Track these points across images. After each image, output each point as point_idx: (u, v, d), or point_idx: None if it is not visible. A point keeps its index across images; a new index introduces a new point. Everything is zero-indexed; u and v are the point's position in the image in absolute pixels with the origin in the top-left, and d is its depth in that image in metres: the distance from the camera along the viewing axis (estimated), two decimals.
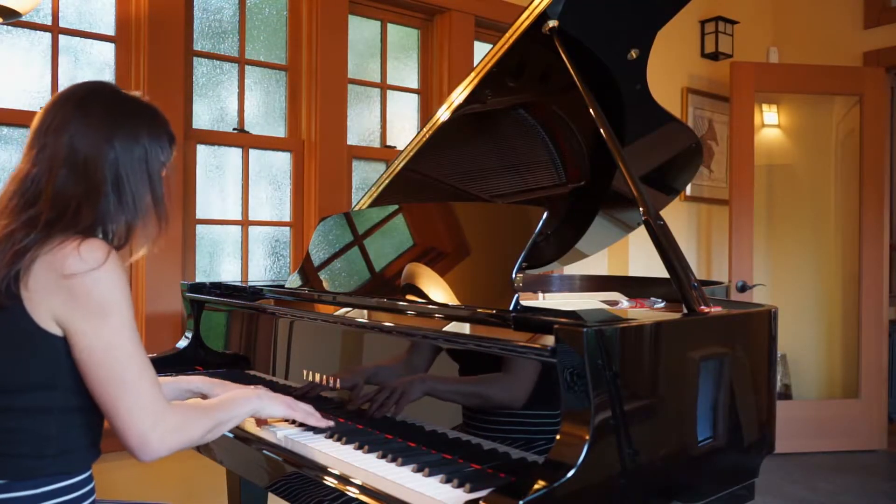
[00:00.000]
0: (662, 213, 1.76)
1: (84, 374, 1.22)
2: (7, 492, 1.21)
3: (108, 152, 1.27)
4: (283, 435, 1.53)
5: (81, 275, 1.18)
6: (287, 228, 3.27)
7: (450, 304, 1.57)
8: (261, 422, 1.62)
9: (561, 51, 1.88)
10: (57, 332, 1.21)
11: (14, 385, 1.23)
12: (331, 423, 1.56)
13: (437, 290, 1.65)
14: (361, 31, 3.49)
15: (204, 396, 1.63)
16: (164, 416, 1.25)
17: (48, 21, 2.67)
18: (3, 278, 1.19)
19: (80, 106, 1.29)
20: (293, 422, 1.60)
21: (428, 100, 3.68)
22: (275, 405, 1.51)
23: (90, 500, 1.30)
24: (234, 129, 3.11)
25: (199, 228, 3.00)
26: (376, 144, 3.54)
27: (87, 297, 1.19)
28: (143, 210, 1.32)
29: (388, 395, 1.52)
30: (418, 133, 2.17)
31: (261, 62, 3.18)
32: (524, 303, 1.48)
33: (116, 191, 1.28)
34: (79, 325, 1.20)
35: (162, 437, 1.24)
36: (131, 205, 1.30)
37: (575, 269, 3.21)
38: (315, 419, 1.55)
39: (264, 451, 1.53)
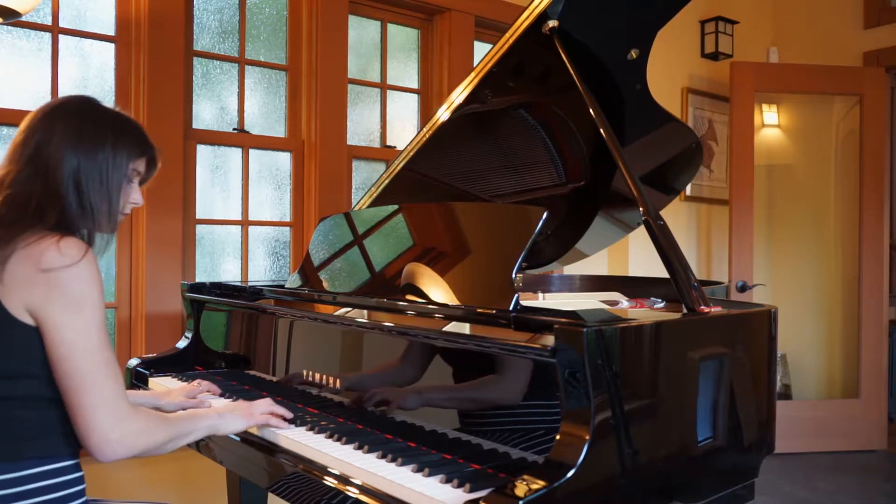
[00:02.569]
0: (662, 213, 1.76)
1: (53, 366, 1.25)
2: (15, 471, 1.23)
3: (71, 158, 1.33)
4: (283, 435, 1.53)
5: (59, 269, 1.23)
6: (287, 228, 3.27)
7: (450, 304, 1.57)
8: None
9: (561, 51, 1.88)
10: (30, 321, 1.25)
11: (6, 374, 1.26)
12: (290, 415, 1.58)
13: (437, 290, 1.65)
14: (361, 31, 3.50)
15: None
16: (126, 417, 1.28)
17: (48, 21, 2.67)
18: None
19: (52, 114, 1.37)
20: (291, 420, 1.60)
21: (428, 100, 3.68)
22: (233, 421, 1.52)
23: (78, 488, 1.32)
24: (234, 129, 3.11)
25: (200, 228, 3.01)
26: (376, 144, 3.54)
27: (63, 290, 1.23)
28: (99, 218, 1.36)
29: (389, 401, 1.53)
30: (418, 133, 2.17)
31: (261, 62, 3.18)
32: (524, 303, 1.48)
33: (77, 197, 1.33)
34: (52, 316, 1.23)
35: (122, 439, 1.26)
36: (89, 212, 1.35)
37: (575, 269, 3.21)
38: (276, 419, 1.56)
39: (264, 451, 1.53)
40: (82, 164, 1.34)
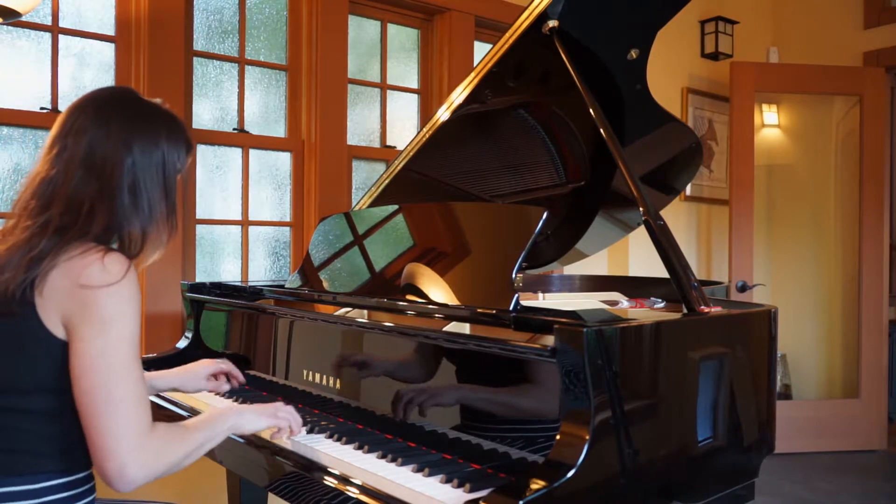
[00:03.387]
0: (662, 213, 1.76)
1: (73, 380, 1.20)
2: (4, 486, 1.21)
3: (126, 156, 1.27)
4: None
5: (99, 287, 1.18)
6: (287, 228, 3.27)
7: (450, 304, 1.57)
8: None
9: (561, 51, 1.88)
10: (63, 336, 1.21)
11: (22, 387, 1.23)
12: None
13: (437, 290, 1.65)
14: (361, 31, 3.49)
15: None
16: (145, 441, 1.20)
17: (48, 21, 2.67)
18: (19, 285, 1.19)
19: (100, 110, 1.30)
20: None
21: (428, 100, 3.68)
22: (257, 419, 1.43)
23: (89, 498, 1.30)
24: (234, 129, 3.11)
25: (200, 228, 3.00)
26: (376, 144, 3.54)
27: (98, 308, 1.18)
28: (157, 216, 1.31)
29: (396, 402, 1.53)
30: (418, 133, 2.17)
31: (261, 62, 3.18)
32: (524, 303, 1.48)
33: (133, 195, 1.28)
34: (81, 330, 1.19)
35: (141, 465, 1.19)
36: (146, 210, 1.29)
37: (575, 269, 3.21)
38: (295, 425, 1.49)
39: (264, 452, 1.53)
40: (138, 162, 1.28)
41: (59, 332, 1.21)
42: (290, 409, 1.51)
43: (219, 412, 1.40)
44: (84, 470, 1.29)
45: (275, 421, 1.46)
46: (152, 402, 1.87)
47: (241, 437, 1.60)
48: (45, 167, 1.28)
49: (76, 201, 1.24)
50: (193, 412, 1.79)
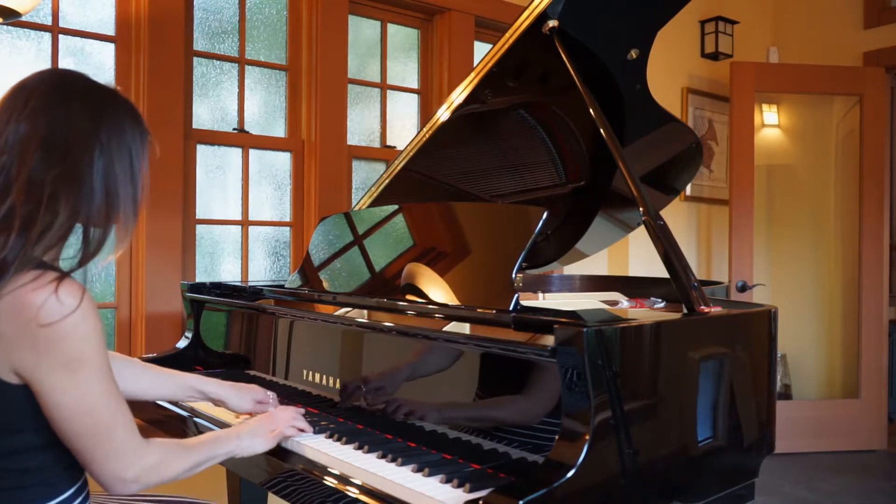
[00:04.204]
0: (662, 213, 1.76)
1: (55, 427, 1.15)
2: None
3: (95, 140, 1.17)
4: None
5: (55, 323, 1.08)
6: (287, 228, 3.27)
7: (450, 304, 1.57)
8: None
9: (561, 51, 1.88)
10: (15, 381, 1.13)
11: None
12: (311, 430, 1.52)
13: (437, 290, 1.65)
14: (361, 31, 3.50)
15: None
16: (140, 457, 1.20)
17: (48, 21, 2.67)
18: None
19: (58, 91, 1.18)
20: None
21: (428, 100, 3.68)
22: (255, 443, 1.43)
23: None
24: (234, 129, 3.11)
25: (200, 228, 3.00)
26: (376, 144, 3.54)
27: (58, 348, 1.09)
28: (123, 205, 1.22)
29: (386, 400, 1.53)
30: (418, 133, 2.17)
31: (261, 62, 3.18)
32: (524, 303, 1.48)
33: (102, 182, 1.18)
34: (47, 379, 1.11)
35: (137, 477, 1.19)
36: (114, 198, 1.19)
37: (575, 269, 3.21)
38: (301, 425, 1.50)
39: (264, 452, 1.53)
40: (105, 146, 1.18)
41: (10, 379, 1.12)
42: (291, 414, 1.50)
43: (221, 435, 1.40)
44: (71, 486, 1.24)
45: (275, 441, 1.46)
46: (154, 404, 1.88)
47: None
48: None
49: (36, 185, 1.12)
50: (194, 412, 1.79)
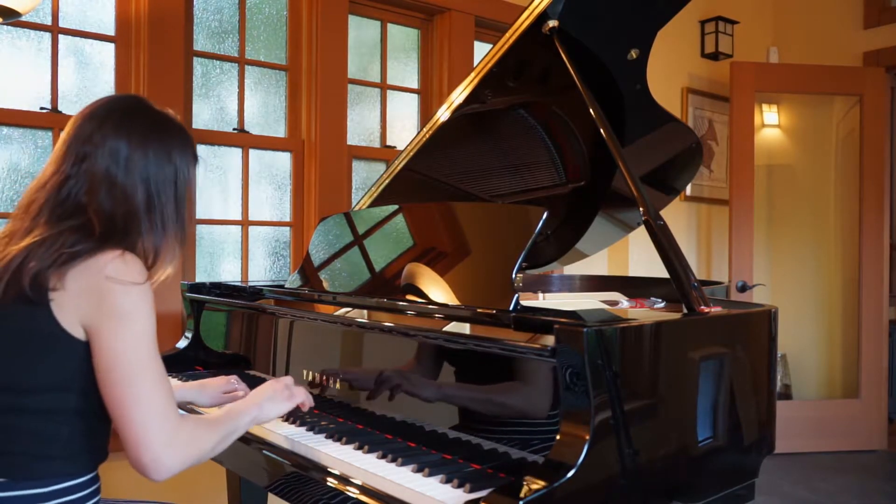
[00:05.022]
0: (662, 213, 1.76)
1: (100, 378, 1.21)
2: (8, 490, 1.21)
3: (143, 170, 1.28)
4: (283, 435, 1.53)
5: (118, 282, 1.19)
6: (287, 228, 3.27)
7: (450, 304, 1.57)
8: None
9: (561, 51, 1.88)
10: (81, 336, 1.21)
11: (29, 385, 1.22)
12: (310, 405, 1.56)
13: (437, 290, 1.65)
14: (361, 31, 3.49)
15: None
16: (176, 431, 1.22)
17: (48, 21, 2.67)
18: (41, 270, 1.19)
19: (119, 124, 1.30)
20: (291, 420, 1.60)
21: (428, 100, 3.68)
22: (275, 406, 1.46)
23: (95, 499, 1.30)
24: (234, 129, 3.11)
25: (200, 228, 3.00)
26: (376, 144, 3.54)
27: (119, 302, 1.19)
28: (170, 231, 1.32)
29: (386, 399, 1.53)
30: (418, 133, 2.17)
31: (261, 62, 3.18)
32: (524, 303, 1.48)
33: (147, 210, 1.29)
34: (104, 326, 1.19)
35: (175, 454, 1.21)
36: (160, 225, 1.31)
37: (575, 269, 3.21)
38: (308, 399, 1.54)
39: (264, 452, 1.53)
40: (153, 175, 1.30)
41: (76, 332, 1.21)
42: (292, 381, 1.54)
43: (241, 405, 1.43)
44: (90, 472, 1.29)
45: (291, 403, 1.49)
46: None
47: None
48: (61, 174, 1.27)
49: (109, 216, 1.26)
50: (194, 412, 1.79)
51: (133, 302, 1.20)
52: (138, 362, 1.20)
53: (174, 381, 1.99)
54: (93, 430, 1.27)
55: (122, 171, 1.27)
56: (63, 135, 1.31)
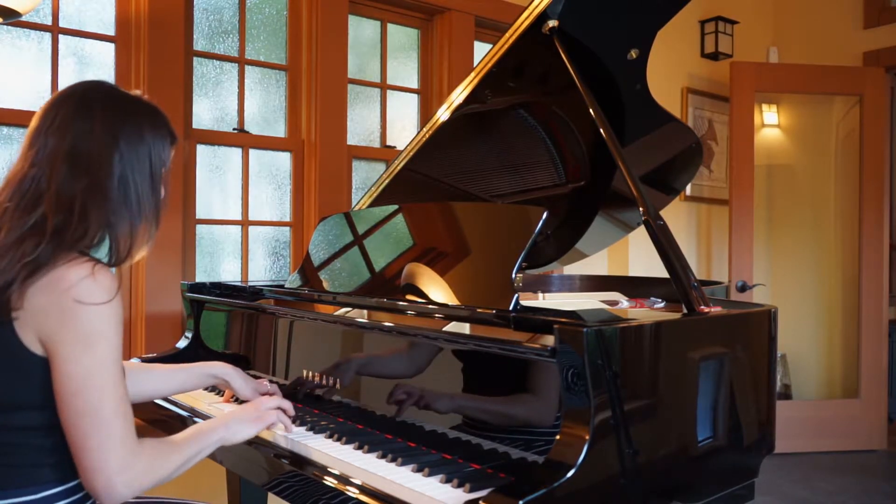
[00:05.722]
0: (662, 213, 1.76)
1: (59, 402, 1.17)
2: (4, 499, 1.20)
3: (114, 150, 1.24)
4: (282, 435, 1.53)
5: (90, 304, 1.15)
6: (287, 228, 3.27)
7: (450, 304, 1.57)
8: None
9: (561, 51, 1.88)
10: (40, 352, 1.18)
11: (8, 404, 1.20)
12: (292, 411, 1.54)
13: (437, 290, 1.65)
14: (361, 31, 3.50)
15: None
16: (133, 459, 1.18)
17: (48, 21, 2.67)
18: (3, 288, 1.15)
19: (81, 103, 1.26)
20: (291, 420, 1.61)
21: (428, 100, 3.68)
22: (243, 429, 1.42)
23: (89, 503, 1.29)
24: (234, 129, 3.11)
25: (199, 228, 3.00)
26: (376, 144, 3.54)
27: (81, 324, 1.15)
28: (146, 211, 1.28)
29: (386, 399, 1.53)
30: (418, 133, 2.17)
31: (261, 62, 3.18)
32: (524, 303, 1.48)
33: (122, 190, 1.24)
34: (64, 349, 1.15)
35: (129, 482, 1.17)
36: (135, 205, 1.26)
37: (575, 269, 3.21)
38: (284, 417, 1.51)
39: (264, 451, 1.53)
40: (125, 155, 1.25)
41: (36, 349, 1.18)
42: (275, 401, 1.51)
43: (207, 426, 1.39)
44: (77, 477, 1.26)
45: (262, 424, 1.46)
46: (154, 404, 1.88)
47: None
48: (25, 165, 1.23)
49: (66, 199, 1.20)
50: (194, 412, 1.79)
51: (99, 325, 1.16)
52: (99, 388, 1.16)
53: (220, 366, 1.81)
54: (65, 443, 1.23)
55: (88, 147, 1.23)
56: (29, 127, 1.28)
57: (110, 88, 1.32)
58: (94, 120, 1.24)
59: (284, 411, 1.53)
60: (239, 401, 1.76)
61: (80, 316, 1.15)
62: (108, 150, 1.24)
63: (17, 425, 1.20)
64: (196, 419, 1.74)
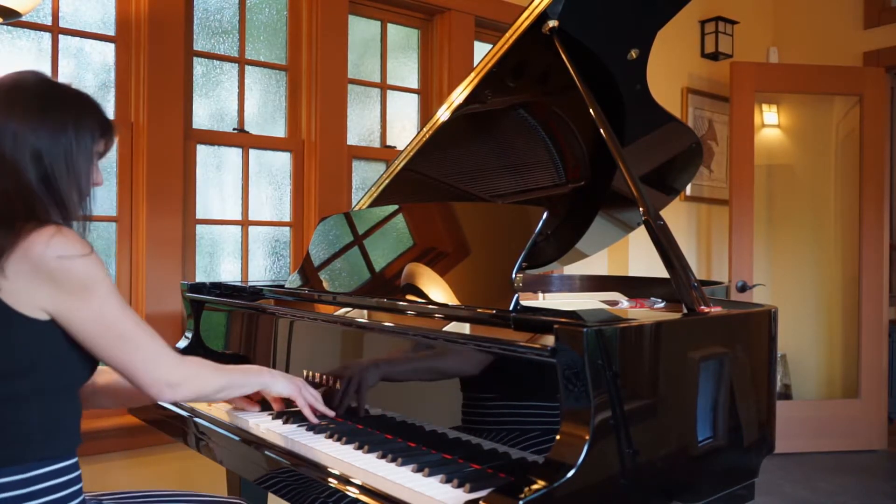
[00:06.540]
0: (662, 213, 1.76)
1: (92, 349, 1.28)
2: None
3: (34, 145, 1.25)
4: (283, 434, 1.53)
5: (69, 259, 1.21)
6: (287, 228, 3.27)
7: (450, 304, 1.57)
8: (251, 403, 1.70)
9: (561, 51, 1.88)
10: (42, 317, 1.24)
11: None
12: (320, 422, 1.58)
13: (437, 290, 1.65)
14: (361, 31, 3.49)
15: None
16: (179, 362, 1.35)
17: (48, 21, 2.67)
18: None
19: (4, 98, 1.27)
20: (291, 420, 1.61)
21: (428, 100, 3.68)
22: (283, 385, 1.57)
23: (78, 486, 1.32)
24: (233, 129, 3.11)
25: (199, 228, 3.00)
26: (376, 144, 3.54)
27: (73, 275, 1.22)
28: (71, 205, 1.29)
29: (386, 399, 1.53)
30: (418, 133, 2.17)
31: (261, 62, 3.18)
32: (524, 303, 1.48)
33: (44, 186, 1.27)
34: (69, 302, 1.23)
35: (184, 379, 1.34)
36: (59, 196, 1.28)
37: (575, 269, 3.21)
38: (309, 411, 1.59)
39: (264, 451, 1.53)
40: (45, 151, 1.26)
41: (36, 314, 1.23)
42: (316, 393, 1.62)
43: (255, 367, 1.58)
44: (70, 457, 1.31)
45: (297, 394, 1.58)
46: (155, 404, 1.88)
47: (237, 434, 1.60)
48: None
49: (2, 193, 1.24)
50: (194, 412, 1.79)
51: (89, 271, 1.24)
52: (115, 321, 1.27)
53: None
54: (63, 413, 1.30)
55: (9, 146, 1.24)
56: None
57: (36, 79, 1.32)
58: (14, 113, 1.26)
59: (313, 409, 1.61)
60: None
61: (69, 269, 1.22)
62: (27, 150, 1.25)
63: (22, 391, 1.24)
64: (196, 419, 1.74)
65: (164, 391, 1.33)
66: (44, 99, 1.29)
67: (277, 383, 1.57)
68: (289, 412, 1.65)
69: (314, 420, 1.58)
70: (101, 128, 1.35)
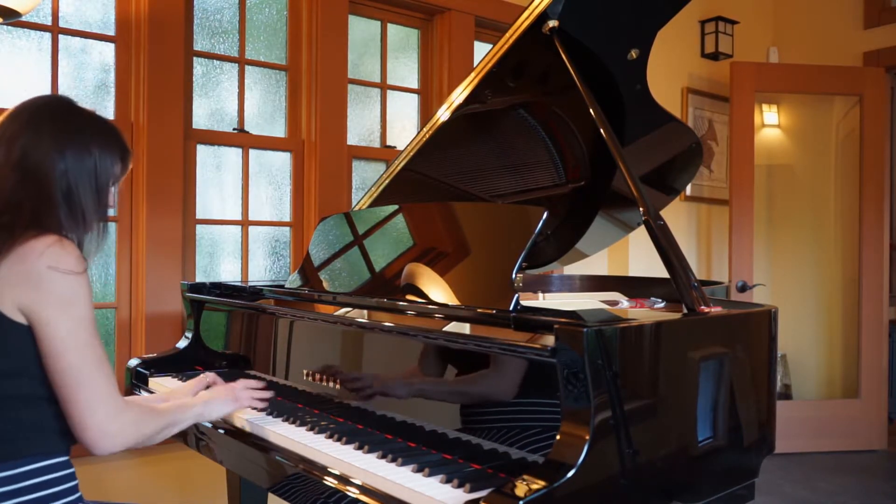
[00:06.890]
0: (662, 213, 1.76)
1: (46, 363, 1.27)
2: None
3: (59, 162, 1.33)
4: (283, 435, 1.53)
5: (59, 271, 1.24)
6: (287, 228, 3.27)
7: (450, 304, 1.57)
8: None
9: (561, 51, 1.88)
10: (22, 321, 1.26)
11: None
12: (270, 394, 1.68)
13: (437, 290, 1.65)
14: (361, 31, 3.49)
15: None
16: (121, 409, 1.30)
17: (48, 21, 2.67)
18: None
19: (32, 117, 1.34)
20: (291, 420, 1.61)
21: (428, 100, 3.68)
22: (218, 407, 1.58)
23: (71, 483, 1.33)
24: (233, 129, 3.11)
25: (199, 228, 3.00)
26: (376, 144, 3.54)
27: (57, 288, 1.24)
28: (91, 223, 1.37)
29: (386, 399, 1.53)
30: (418, 133, 2.17)
31: (261, 62, 3.18)
32: (524, 303, 1.48)
33: (67, 202, 1.33)
34: (44, 312, 1.25)
35: (120, 430, 1.29)
36: (80, 217, 1.35)
37: (575, 269, 3.21)
38: (259, 402, 1.65)
39: (264, 451, 1.53)
40: (71, 169, 1.33)
41: (15, 317, 1.26)
42: (245, 381, 1.67)
43: (189, 401, 1.56)
44: (63, 454, 1.33)
45: (238, 404, 1.61)
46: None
47: (236, 434, 1.60)
48: None
49: (15, 203, 1.29)
50: None
51: (74, 289, 1.26)
52: (81, 347, 1.27)
53: (173, 381, 2.01)
54: (53, 414, 1.31)
55: (35, 160, 1.31)
56: None
57: (64, 103, 1.41)
58: (42, 132, 1.33)
59: (260, 397, 1.66)
60: None
61: (55, 281, 1.24)
62: (54, 162, 1.32)
63: (15, 393, 1.27)
64: None
65: (96, 438, 1.28)
66: (70, 121, 1.37)
67: (213, 410, 1.57)
68: (289, 412, 1.65)
69: (261, 406, 1.66)
70: (121, 151, 1.43)
